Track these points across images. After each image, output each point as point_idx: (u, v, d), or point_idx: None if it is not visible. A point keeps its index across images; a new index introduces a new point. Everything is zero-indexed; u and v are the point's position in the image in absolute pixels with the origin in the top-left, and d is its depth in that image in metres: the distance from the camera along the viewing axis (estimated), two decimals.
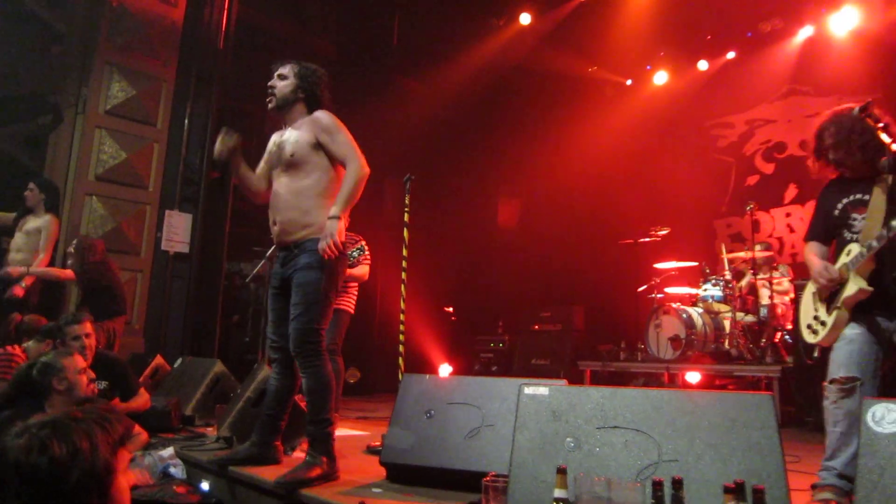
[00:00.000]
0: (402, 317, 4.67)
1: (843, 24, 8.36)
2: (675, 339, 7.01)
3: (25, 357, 4.35)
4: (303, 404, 4.04)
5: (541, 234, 10.36)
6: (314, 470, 3.13)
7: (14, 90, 7.29)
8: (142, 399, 4.63)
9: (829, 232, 3.21)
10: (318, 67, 3.63)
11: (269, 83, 3.56)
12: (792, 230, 9.00)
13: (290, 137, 3.44)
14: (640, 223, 8.23)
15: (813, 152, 3.23)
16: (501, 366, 9.01)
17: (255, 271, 6.90)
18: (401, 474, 3.20)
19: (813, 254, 3.24)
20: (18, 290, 5.56)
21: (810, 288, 3.31)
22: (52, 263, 6.11)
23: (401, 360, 4.58)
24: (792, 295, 7.12)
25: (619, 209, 9.51)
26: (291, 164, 3.39)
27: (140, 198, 7.49)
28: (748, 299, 7.20)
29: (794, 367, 6.14)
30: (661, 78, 10.28)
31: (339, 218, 3.26)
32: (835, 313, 3.05)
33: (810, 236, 3.32)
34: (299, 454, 3.68)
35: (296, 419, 3.74)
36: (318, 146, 3.39)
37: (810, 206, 8.50)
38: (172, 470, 3.68)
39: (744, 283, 7.35)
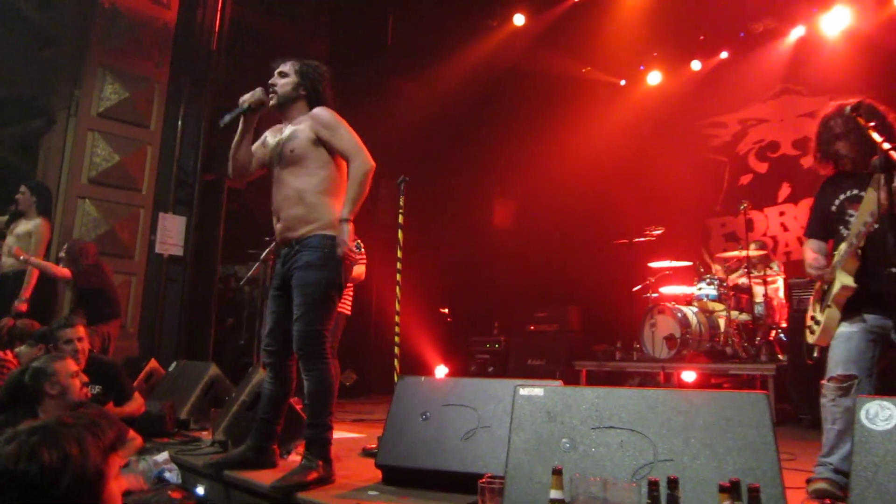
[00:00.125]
0: (397, 318, 4.67)
1: (835, 24, 8.39)
2: (670, 339, 7.02)
3: (17, 362, 4.32)
4: (299, 407, 4.04)
5: (536, 235, 10.36)
6: (310, 474, 3.11)
7: (6, 93, 7.27)
8: (136, 403, 4.60)
9: (828, 228, 3.23)
10: (319, 64, 3.58)
11: (270, 81, 3.49)
12: (786, 229, 9.03)
13: (289, 134, 3.41)
14: (634, 223, 8.24)
15: (817, 145, 3.24)
16: (497, 367, 9.00)
17: (249, 274, 6.90)
18: (397, 477, 3.19)
19: (810, 249, 3.26)
20: (22, 307, 5.57)
21: (812, 291, 3.34)
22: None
23: (396, 362, 4.58)
24: (782, 288, 7.13)
25: (613, 209, 9.51)
26: (292, 161, 3.35)
27: (133, 200, 7.47)
28: (742, 298, 7.21)
29: (789, 365, 6.16)
30: (654, 78, 10.30)
31: (349, 220, 3.26)
32: (826, 311, 3.07)
33: (809, 233, 3.34)
34: (295, 457, 3.67)
35: (292, 422, 3.73)
36: (318, 142, 3.35)
37: (804, 204, 8.56)
38: (167, 475, 3.66)
39: (735, 275, 7.38)
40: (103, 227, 7.19)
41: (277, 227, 3.41)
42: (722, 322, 7.21)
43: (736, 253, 7.34)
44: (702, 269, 7.60)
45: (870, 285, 2.92)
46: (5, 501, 1.43)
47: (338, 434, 3.40)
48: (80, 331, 4.31)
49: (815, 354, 3.22)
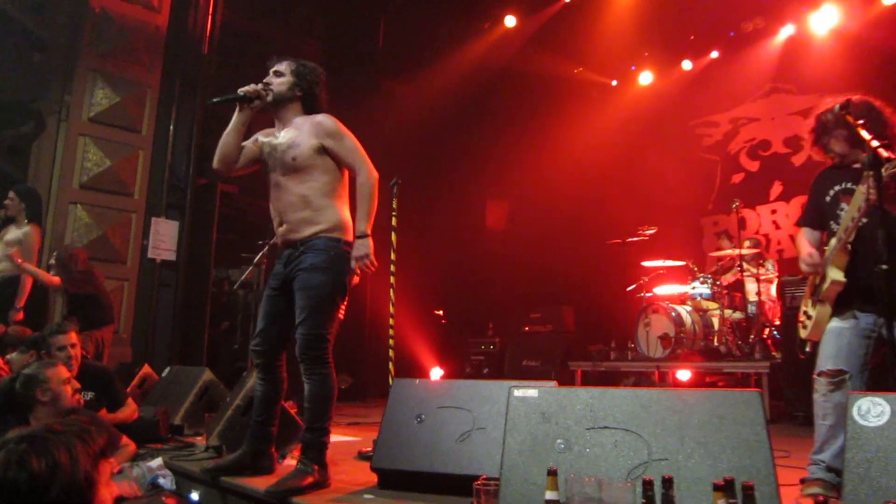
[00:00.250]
0: (391, 321, 4.66)
1: (824, 22, 8.43)
2: (664, 338, 7.03)
3: (9, 369, 4.30)
4: (293, 411, 4.03)
5: (529, 236, 10.37)
6: (306, 478, 3.10)
7: None
8: (129, 409, 4.59)
9: (821, 218, 3.25)
10: (316, 66, 3.53)
11: (265, 80, 3.43)
12: (778, 227, 9.06)
13: (289, 141, 3.34)
14: (627, 223, 8.25)
15: (814, 138, 3.26)
16: (492, 368, 9.01)
17: (243, 277, 6.89)
18: (392, 480, 3.18)
19: (804, 239, 3.28)
20: (18, 316, 5.55)
21: (806, 286, 3.36)
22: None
23: (391, 365, 4.57)
24: (777, 283, 7.16)
25: (606, 209, 9.53)
26: (295, 169, 3.30)
27: (125, 205, 7.45)
28: (736, 296, 7.24)
29: (782, 363, 6.18)
30: (645, 78, 10.33)
31: (368, 234, 3.26)
32: (818, 307, 3.09)
33: (802, 222, 3.37)
34: (290, 462, 3.66)
35: (287, 426, 3.72)
36: (323, 150, 3.33)
37: (795, 202, 8.60)
38: (161, 481, 3.64)
39: (728, 275, 7.41)
40: (95, 232, 7.17)
41: (280, 229, 3.37)
42: (716, 321, 7.23)
43: (729, 251, 7.37)
44: (695, 268, 7.62)
45: (860, 281, 2.93)
46: None
47: (333, 437, 3.38)
48: (73, 337, 4.29)
49: (808, 349, 3.24)
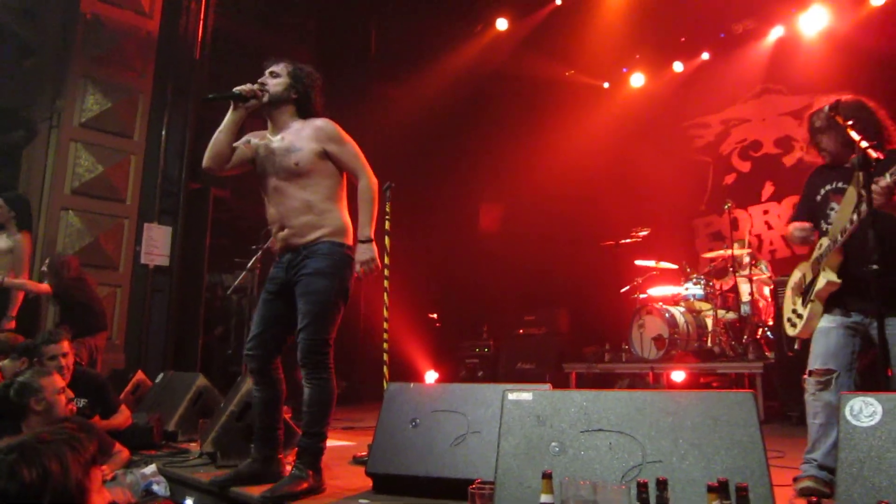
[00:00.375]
0: (385, 325, 4.66)
1: (813, 23, 8.48)
2: (658, 339, 7.05)
3: (1, 376, 4.28)
4: (288, 416, 4.02)
5: (523, 238, 10.38)
6: (301, 484, 3.09)
7: None
8: (122, 416, 4.57)
9: (812, 217, 3.27)
10: (313, 71, 3.50)
11: (260, 80, 3.39)
12: (770, 227, 9.09)
13: (289, 145, 3.31)
14: (620, 224, 8.27)
15: (807, 139, 3.28)
16: (487, 371, 9.01)
17: (236, 282, 6.87)
18: (387, 484, 3.18)
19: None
20: (10, 325, 5.54)
21: (790, 282, 3.39)
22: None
23: (385, 369, 4.57)
24: (771, 286, 7.18)
25: (599, 211, 9.55)
26: (298, 174, 3.28)
27: (118, 211, 7.43)
28: (729, 297, 7.26)
29: (776, 363, 6.20)
30: (637, 80, 10.35)
31: (372, 239, 3.28)
32: (809, 306, 3.12)
33: (794, 218, 3.38)
34: (285, 467, 3.64)
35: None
36: (325, 155, 3.32)
37: (787, 202, 8.63)
38: (155, 487, 3.62)
39: (726, 278, 7.43)
40: (87, 238, 7.14)
41: (281, 234, 3.33)
42: (709, 321, 7.25)
43: (721, 252, 7.39)
44: (688, 269, 7.64)
45: (850, 280, 2.95)
46: None
47: (328, 442, 3.38)
48: (65, 346, 4.27)
49: (796, 347, 3.26)
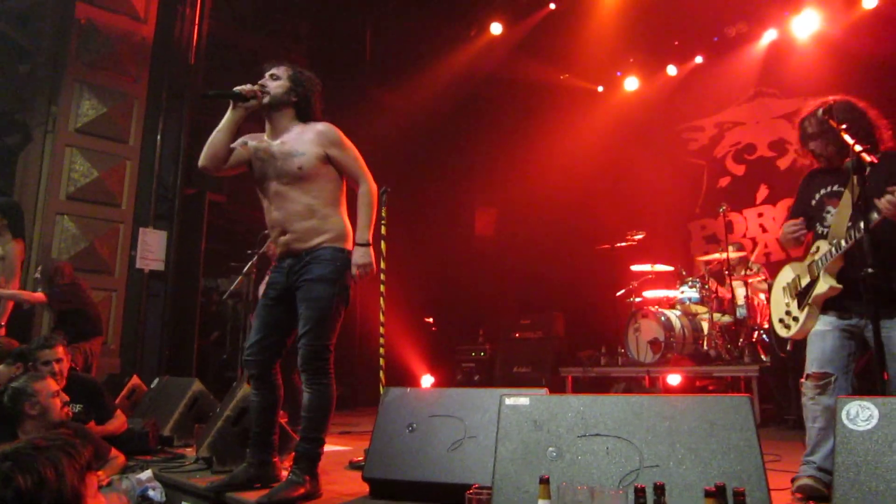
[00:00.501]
0: (381, 329, 4.66)
1: (805, 27, 8.53)
2: (654, 342, 7.06)
3: None
4: (284, 421, 4.01)
5: (518, 242, 10.40)
6: (297, 489, 3.08)
7: None
8: (118, 421, 4.56)
9: (807, 220, 3.26)
10: (313, 76, 3.50)
11: (260, 82, 3.37)
12: (764, 230, 9.12)
13: (290, 149, 3.29)
14: (615, 228, 8.30)
15: (799, 143, 3.29)
16: (483, 375, 9.00)
17: (232, 287, 6.86)
18: (384, 489, 3.17)
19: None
20: (2, 332, 5.51)
21: (781, 281, 3.38)
22: (21, 286, 6.03)
23: (382, 374, 4.56)
24: (766, 290, 7.20)
25: (594, 215, 9.57)
26: (301, 178, 3.26)
27: (113, 216, 7.41)
28: (724, 300, 7.27)
29: (771, 366, 6.21)
30: (631, 84, 10.39)
31: (370, 243, 3.28)
32: (806, 309, 3.11)
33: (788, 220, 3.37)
34: (282, 472, 3.64)
35: (279, 436, 3.69)
36: (327, 159, 3.31)
37: (782, 205, 8.66)
38: (151, 493, 3.62)
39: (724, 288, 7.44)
40: (82, 243, 7.13)
41: (283, 238, 3.31)
42: (705, 325, 7.26)
43: (716, 255, 7.41)
44: (684, 272, 7.66)
45: (848, 284, 2.96)
46: None
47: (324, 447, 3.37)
48: (60, 351, 4.26)
49: (788, 348, 3.26)
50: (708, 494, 1.96)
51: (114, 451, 3.86)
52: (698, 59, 9.81)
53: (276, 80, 3.39)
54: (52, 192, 7.01)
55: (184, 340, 7.80)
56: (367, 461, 3.27)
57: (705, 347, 7.12)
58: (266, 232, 5.85)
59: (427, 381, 8.79)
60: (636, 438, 2.40)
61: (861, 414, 2.14)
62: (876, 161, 2.64)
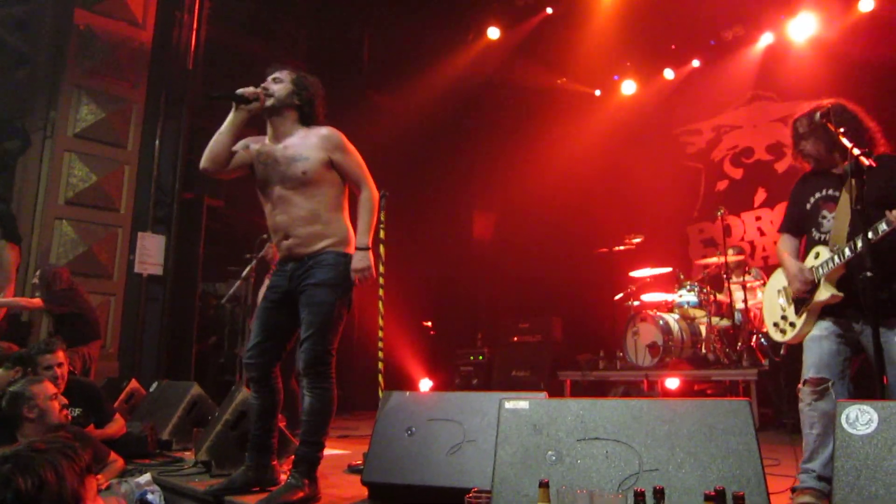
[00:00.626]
0: (380, 333, 4.66)
1: (802, 30, 8.54)
2: (652, 346, 7.06)
3: None
4: (282, 424, 4.01)
5: (516, 246, 10.40)
6: (296, 493, 3.08)
7: None
8: (117, 425, 4.55)
9: (801, 225, 3.26)
10: (317, 81, 3.50)
11: (263, 84, 3.37)
12: (762, 233, 9.14)
13: (294, 154, 3.28)
14: (613, 232, 8.31)
15: (792, 145, 3.28)
16: (482, 379, 8.99)
17: (231, 291, 6.85)
18: (383, 493, 3.18)
19: (786, 251, 3.28)
20: None
21: (775, 285, 3.36)
22: (17, 292, 6.04)
23: (380, 377, 4.57)
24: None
25: (592, 218, 9.58)
26: (304, 183, 3.26)
27: (111, 220, 7.42)
28: (722, 304, 7.28)
29: (770, 370, 6.22)
30: (628, 87, 10.41)
31: (369, 248, 3.29)
32: (804, 315, 3.09)
33: (783, 228, 3.37)
34: (280, 476, 3.64)
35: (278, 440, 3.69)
36: (331, 164, 3.32)
37: (780, 209, 8.67)
38: (150, 496, 3.61)
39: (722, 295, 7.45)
40: (81, 247, 7.13)
41: (286, 242, 3.31)
42: (703, 328, 7.27)
43: (714, 259, 7.42)
44: (682, 276, 7.66)
45: (847, 290, 2.95)
46: None
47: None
48: (60, 356, 4.27)
49: (782, 352, 3.25)
50: (707, 498, 1.97)
51: (113, 455, 3.85)
52: (695, 63, 9.83)
53: (279, 83, 3.38)
54: (50, 196, 7.01)
55: (182, 344, 7.79)
56: (366, 465, 3.27)
57: (703, 351, 7.12)
58: (265, 236, 5.90)
59: (425, 384, 8.78)
60: (636, 442, 2.40)
61: (861, 418, 2.15)
62: (875, 165, 2.65)
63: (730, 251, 7.21)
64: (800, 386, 3.03)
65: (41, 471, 1.48)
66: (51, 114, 7.12)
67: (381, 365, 4.60)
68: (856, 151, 2.67)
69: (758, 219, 9.21)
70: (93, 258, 7.19)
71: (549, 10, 9.70)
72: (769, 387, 6.14)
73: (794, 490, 2.96)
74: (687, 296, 7.41)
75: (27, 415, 3.45)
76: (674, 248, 9.30)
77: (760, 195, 9.22)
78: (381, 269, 4.63)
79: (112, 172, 7.42)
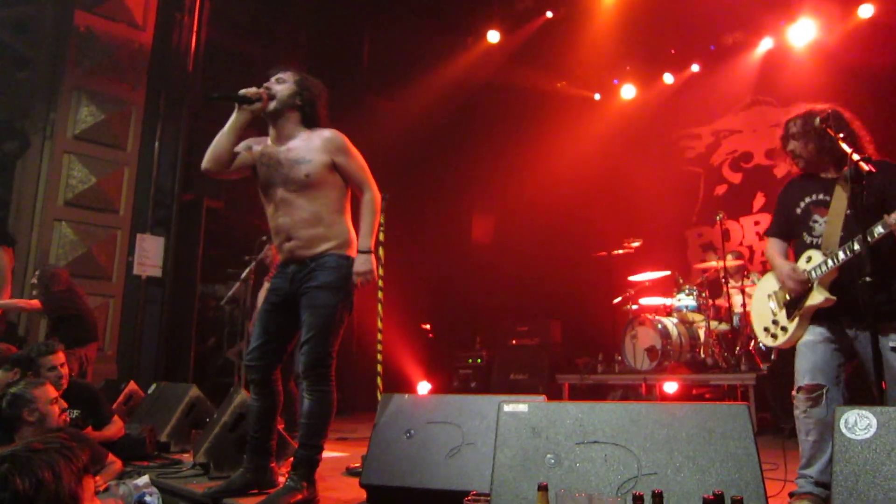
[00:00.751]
0: (379, 335, 4.67)
1: (801, 35, 8.55)
2: (651, 350, 7.06)
3: None
4: (280, 427, 4.01)
5: (515, 249, 10.40)
6: (295, 495, 3.08)
7: None
8: (115, 427, 4.55)
9: (791, 230, 3.25)
10: (319, 83, 3.50)
11: (266, 85, 3.36)
12: (761, 238, 9.14)
13: (297, 156, 3.28)
14: (612, 235, 8.31)
15: (781, 145, 3.28)
16: (480, 382, 8.99)
17: (230, 293, 6.85)
18: (381, 496, 3.17)
19: (776, 253, 3.28)
20: None
21: (764, 289, 3.35)
22: (16, 293, 6.04)
23: (379, 380, 4.57)
24: None
25: (591, 222, 9.59)
26: (307, 185, 3.26)
27: (111, 222, 7.42)
28: (721, 308, 7.28)
29: (768, 374, 6.22)
30: (628, 91, 10.41)
31: (372, 251, 3.30)
32: (796, 320, 3.08)
33: (771, 232, 3.36)
34: (279, 478, 3.64)
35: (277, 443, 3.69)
36: (333, 167, 3.32)
37: None
38: (148, 499, 3.60)
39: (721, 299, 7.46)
40: (80, 249, 7.13)
41: (287, 245, 3.31)
42: (702, 332, 7.26)
43: (713, 263, 7.42)
44: (680, 280, 7.67)
45: (841, 295, 2.95)
46: None
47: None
48: (61, 356, 4.28)
49: (773, 357, 3.25)
50: (706, 502, 1.96)
51: (111, 457, 3.85)
52: (695, 68, 9.85)
53: (282, 84, 3.38)
54: (50, 198, 7.01)
55: (181, 346, 7.79)
56: (365, 467, 3.27)
57: (702, 355, 7.12)
58: (264, 238, 5.91)
59: (424, 387, 8.77)
60: (634, 446, 2.41)
61: (859, 423, 2.15)
62: (875, 170, 2.65)
63: (729, 256, 7.23)
64: (794, 393, 3.02)
65: (38, 471, 1.48)
66: (50, 115, 7.12)
67: (379, 367, 4.60)
68: (855, 157, 2.68)
69: (756, 223, 9.22)
70: (92, 260, 7.19)
71: (550, 14, 9.72)
72: (767, 391, 6.14)
73: (791, 495, 2.96)
74: (686, 300, 7.41)
75: (27, 418, 3.44)
76: (672, 253, 9.30)
77: (759, 200, 9.23)
78: (381, 271, 4.63)
79: (111, 174, 7.42)
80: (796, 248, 3.22)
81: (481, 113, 10.74)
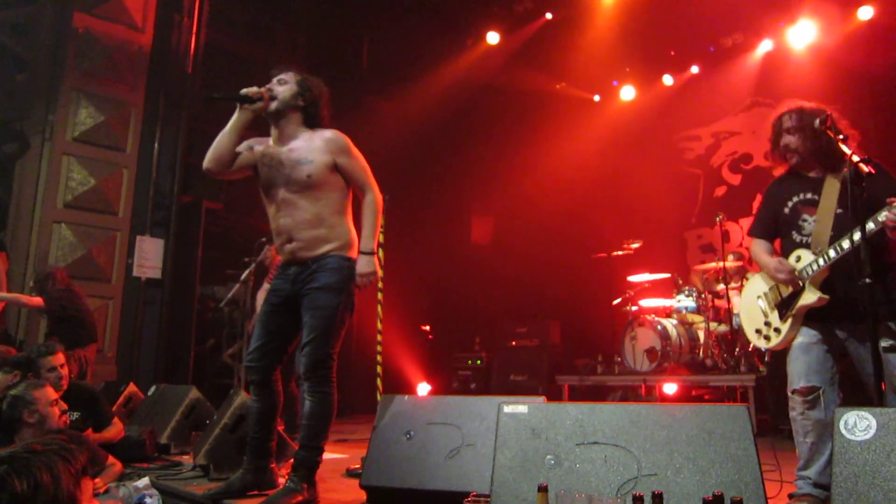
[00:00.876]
0: (379, 337, 4.67)
1: (801, 37, 8.56)
2: (650, 351, 7.06)
3: None
4: (280, 428, 4.01)
5: (515, 251, 10.40)
6: (295, 497, 3.08)
7: None
8: (115, 429, 4.55)
9: (777, 229, 3.24)
10: (321, 83, 3.49)
11: (268, 86, 3.36)
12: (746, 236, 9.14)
13: (299, 157, 3.27)
14: (612, 237, 8.32)
15: (771, 140, 3.26)
16: (479, 383, 8.99)
17: (229, 295, 6.85)
18: (381, 497, 3.17)
19: (762, 251, 3.27)
20: None
21: (754, 291, 3.33)
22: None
23: (379, 381, 4.57)
24: None
25: (591, 223, 9.59)
26: (309, 186, 3.25)
27: (110, 224, 7.42)
28: (721, 309, 7.28)
29: (768, 376, 6.22)
30: (627, 93, 10.42)
31: (374, 252, 3.30)
32: (789, 321, 3.07)
33: (757, 233, 3.34)
34: (279, 480, 3.63)
35: (277, 444, 3.69)
36: (335, 167, 3.32)
37: None
38: (148, 500, 3.60)
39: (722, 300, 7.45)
40: (80, 250, 7.12)
41: (289, 246, 3.30)
42: (701, 334, 7.27)
43: (713, 265, 7.42)
44: (680, 281, 7.67)
45: (836, 295, 2.95)
46: None
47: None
48: (61, 357, 4.28)
49: (767, 359, 3.25)
50: (706, 503, 1.97)
51: (111, 459, 3.85)
52: (694, 69, 9.85)
53: (283, 84, 3.38)
54: (49, 200, 7.01)
55: (180, 348, 7.78)
56: (365, 469, 3.27)
57: (701, 357, 7.12)
58: (263, 240, 5.91)
59: (423, 388, 8.77)
60: (634, 447, 2.41)
61: (859, 424, 2.15)
62: (874, 172, 2.65)
63: (729, 257, 7.23)
64: (789, 394, 3.02)
65: (37, 472, 1.48)
66: (49, 117, 7.12)
67: (379, 369, 4.61)
68: (855, 158, 2.68)
69: None
70: (91, 262, 7.19)
71: (549, 16, 9.72)
72: (767, 393, 6.14)
73: (791, 497, 2.96)
74: (685, 301, 7.41)
75: (27, 419, 3.44)
76: (672, 254, 9.30)
77: (759, 201, 9.21)
78: (381, 272, 4.63)
79: (111, 176, 7.42)
80: (784, 247, 3.21)
81: (481, 114, 10.74)
